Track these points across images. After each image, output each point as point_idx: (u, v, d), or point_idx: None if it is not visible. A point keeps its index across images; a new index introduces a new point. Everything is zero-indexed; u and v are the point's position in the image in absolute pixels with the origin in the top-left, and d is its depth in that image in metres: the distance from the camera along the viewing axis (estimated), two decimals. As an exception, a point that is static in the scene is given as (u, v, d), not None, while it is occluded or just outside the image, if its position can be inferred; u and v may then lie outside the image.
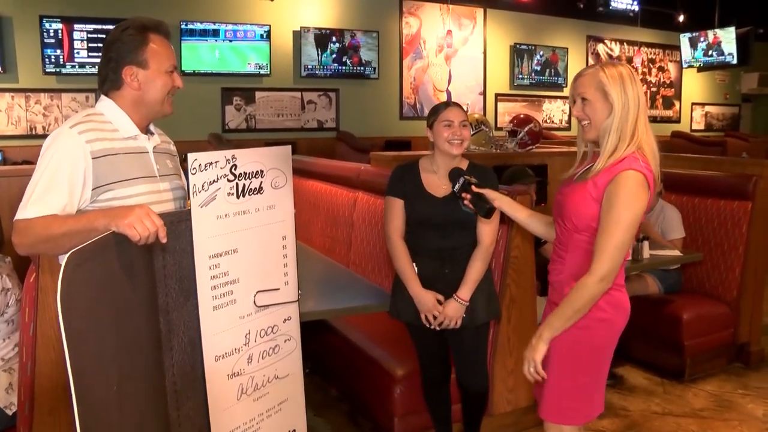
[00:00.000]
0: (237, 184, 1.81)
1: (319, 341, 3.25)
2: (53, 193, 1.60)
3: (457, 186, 2.18)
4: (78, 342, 1.15)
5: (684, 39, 10.46)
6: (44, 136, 6.96)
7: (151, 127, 1.84)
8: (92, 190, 1.66)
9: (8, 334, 2.33)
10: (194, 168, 1.69)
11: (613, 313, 1.85)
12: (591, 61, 10.51)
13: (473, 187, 2.15)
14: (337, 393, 3.31)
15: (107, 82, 1.76)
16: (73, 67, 6.65)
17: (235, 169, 1.80)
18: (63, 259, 1.69)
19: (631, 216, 1.75)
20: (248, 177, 1.85)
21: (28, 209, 1.58)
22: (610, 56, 10.73)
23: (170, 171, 1.85)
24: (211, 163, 1.73)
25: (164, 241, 1.52)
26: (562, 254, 1.91)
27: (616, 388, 3.45)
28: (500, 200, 2.13)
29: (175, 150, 1.94)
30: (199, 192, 1.71)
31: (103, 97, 1.78)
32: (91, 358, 1.21)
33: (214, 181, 1.74)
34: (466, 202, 2.14)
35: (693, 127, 11.83)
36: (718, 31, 9.93)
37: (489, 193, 2.13)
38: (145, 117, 1.79)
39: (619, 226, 1.74)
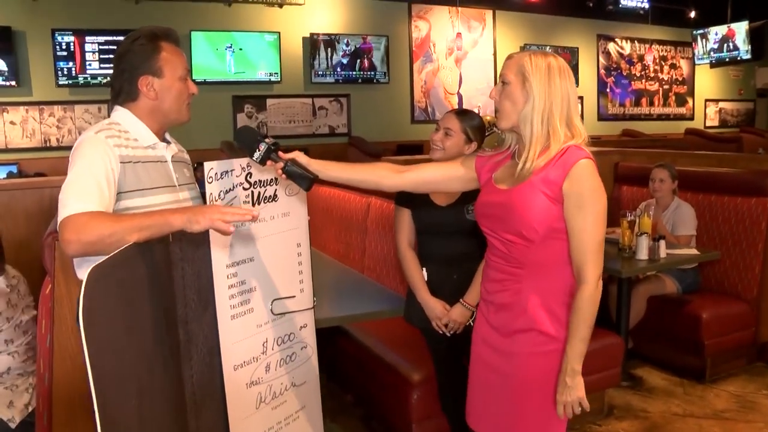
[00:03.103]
0: (252, 192, 1.82)
1: (334, 347, 3.24)
2: (97, 190, 1.54)
3: (257, 155, 1.71)
4: (100, 357, 1.15)
5: (696, 35, 10.38)
6: (58, 149, 7.01)
7: (167, 136, 1.84)
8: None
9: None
10: (210, 177, 1.69)
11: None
12: (602, 60, 10.46)
13: (281, 153, 1.73)
14: (353, 399, 3.30)
15: (122, 94, 1.75)
16: (86, 78, 6.73)
17: (250, 177, 1.80)
18: (80, 272, 1.71)
19: (604, 207, 1.65)
20: (263, 185, 1.85)
21: (80, 204, 1.49)
22: (621, 54, 10.67)
23: (188, 180, 1.85)
24: (226, 172, 1.74)
25: (249, 218, 1.54)
26: (516, 271, 1.70)
27: (635, 389, 3.41)
28: (315, 163, 1.77)
29: (189, 158, 1.94)
30: (216, 201, 1.71)
31: (117, 107, 1.77)
32: (112, 372, 1.21)
33: (230, 189, 1.74)
34: (280, 173, 1.73)
35: (707, 124, 11.73)
36: (731, 25, 9.83)
37: (299, 157, 1.76)
38: (161, 126, 1.78)
39: (596, 222, 1.62)
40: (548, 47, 9.64)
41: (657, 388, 3.45)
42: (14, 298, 2.31)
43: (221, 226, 1.47)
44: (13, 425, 2.19)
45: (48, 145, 6.67)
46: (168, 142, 1.82)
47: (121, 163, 1.63)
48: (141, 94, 1.74)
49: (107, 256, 1.25)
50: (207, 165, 1.69)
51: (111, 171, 1.59)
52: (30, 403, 2.25)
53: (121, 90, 1.75)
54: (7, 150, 6.54)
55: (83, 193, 1.51)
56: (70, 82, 6.67)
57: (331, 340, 3.22)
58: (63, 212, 1.47)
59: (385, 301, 2.66)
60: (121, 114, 1.75)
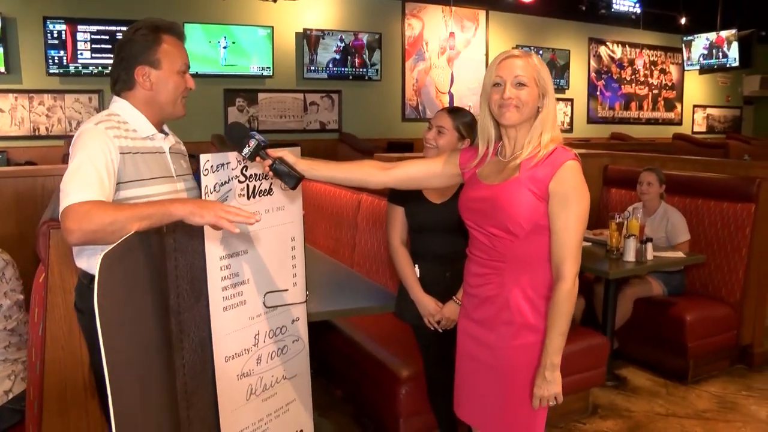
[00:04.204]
0: (248, 185, 1.83)
1: (324, 342, 3.26)
2: (97, 180, 1.55)
3: (246, 150, 1.74)
4: (112, 344, 1.16)
5: (686, 41, 10.48)
6: (47, 137, 6.93)
7: (165, 128, 1.85)
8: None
9: None
10: (206, 169, 1.70)
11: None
12: (593, 64, 10.54)
13: (269, 151, 1.75)
14: (342, 394, 3.32)
15: (119, 82, 1.75)
16: (77, 68, 6.68)
17: (246, 171, 1.81)
18: (78, 261, 1.71)
19: (587, 207, 1.70)
20: (258, 178, 1.86)
21: (81, 193, 1.49)
22: (612, 58, 10.75)
23: (185, 171, 1.86)
24: (222, 165, 1.75)
25: (252, 222, 1.54)
26: (499, 265, 1.75)
27: (620, 389, 3.46)
28: (301, 162, 1.80)
29: (185, 150, 1.95)
30: (211, 193, 1.72)
31: (116, 98, 1.77)
32: (121, 359, 1.22)
33: (225, 182, 1.75)
34: (267, 170, 1.76)
35: (694, 130, 11.87)
36: (720, 32, 9.95)
37: (287, 156, 1.78)
38: (158, 117, 1.79)
39: (579, 221, 1.68)
40: (540, 49, 9.70)
41: (641, 388, 3.50)
42: None
43: (226, 224, 1.47)
44: None
45: (37, 133, 6.62)
46: (166, 134, 1.83)
47: (120, 153, 1.64)
48: (137, 84, 1.74)
49: (114, 244, 1.26)
50: (203, 157, 1.70)
51: (111, 162, 1.60)
52: (11, 390, 2.23)
53: (118, 78, 1.76)
54: (-5, 138, 6.49)
55: (84, 183, 1.51)
56: (61, 71, 6.62)
57: (321, 335, 3.24)
58: (64, 202, 1.48)
59: (376, 297, 2.68)
60: (120, 105, 1.75)
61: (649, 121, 11.36)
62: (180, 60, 1.77)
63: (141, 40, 1.73)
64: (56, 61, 6.60)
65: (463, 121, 2.34)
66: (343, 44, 8.08)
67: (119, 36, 6.79)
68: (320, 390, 3.30)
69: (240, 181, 1.81)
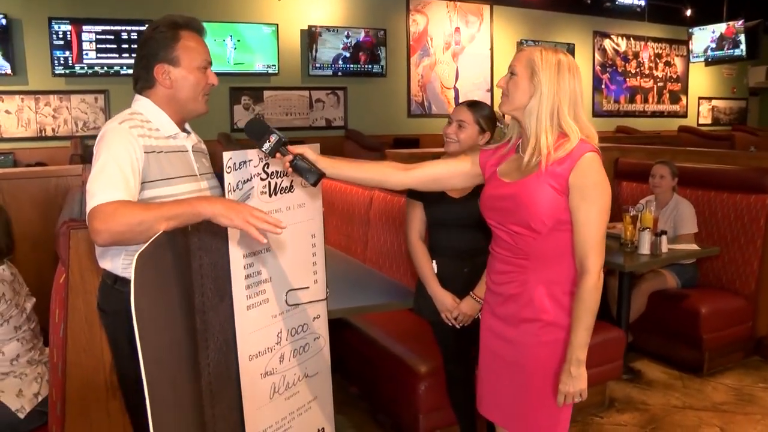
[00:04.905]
0: (269, 182, 1.82)
1: (339, 339, 3.25)
2: (122, 180, 1.54)
3: (267, 146, 1.71)
4: (147, 344, 1.15)
5: (693, 32, 10.44)
6: (54, 138, 6.90)
7: (187, 126, 1.83)
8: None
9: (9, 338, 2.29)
10: (229, 167, 1.69)
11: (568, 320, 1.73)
12: (598, 57, 10.50)
13: (290, 147, 1.74)
14: (357, 391, 3.32)
15: (140, 81, 1.74)
16: (83, 68, 6.67)
17: (267, 168, 1.81)
18: (102, 261, 1.70)
19: (608, 199, 1.68)
20: (280, 175, 1.85)
21: (107, 193, 1.48)
22: (617, 51, 10.71)
23: (207, 170, 1.84)
24: (244, 162, 1.74)
25: (278, 231, 1.52)
26: (522, 263, 1.74)
27: (635, 382, 3.45)
28: (322, 161, 1.77)
29: (206, 149, 1.93)
30: (234, 191, 1.71)
31: (138, 96, 1.76)
32: (155, 359, 1.21)
33: (248, 179, 1.75)
34: (287, 166, 1.74)
35: (700, 122, 11.82)
36: (730, 23, 9.91)
37: (307, 152, 1.76)
38: (180, 115, 1.77)
39: (600, 214, 1.66)
40: (544, 43, 9.67)
41: (656, 381, 3.49)
42: (17, 285, 2.30)
43: (254, 233, 1.46)
44: (22, 415, 2.18)
45: (43, 134, 6.62)
46: (188, 132, 1.82)
47: (144, 153, 1.63)
48: (157, 82, 1.73)
49: (146, 244, 1.25)
50: (226, 155, 1.69)
51: (136, 161, 1.59)
52: (39, 392, 2.24)
53: (139, 77, 1.75)
54: (2, 139, 6.48)
55: (110, 183, 1.50)
56: (67, 71, 6.62)
57: (335, 333, 3.23)
58: (91, 202, 1.47)
59: (394, 293, 2.67)
60: (143, 104, 1.74)
61: (654, 114, 11.32)
62: (199, 56, 1.76)
63: (160, 37, 1.72)
64: (62, 61, 6.60)
65: (483, 114, 2.34)
66: (349, 41, 8.06)
67: (124, 36, 6.82)
68: (335, 387, 3.28)
69: (262, 179, 1.80)
